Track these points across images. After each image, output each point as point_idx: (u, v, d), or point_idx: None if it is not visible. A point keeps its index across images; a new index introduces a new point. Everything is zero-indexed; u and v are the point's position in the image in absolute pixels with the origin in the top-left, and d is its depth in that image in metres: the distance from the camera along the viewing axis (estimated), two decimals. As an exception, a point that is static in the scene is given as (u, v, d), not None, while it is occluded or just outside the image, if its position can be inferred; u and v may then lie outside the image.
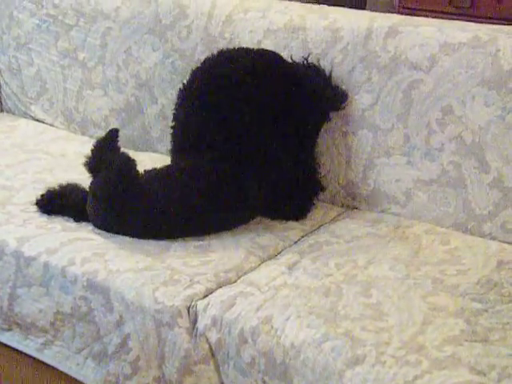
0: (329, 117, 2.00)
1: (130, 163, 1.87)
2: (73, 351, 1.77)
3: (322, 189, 2.02)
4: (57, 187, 1.96)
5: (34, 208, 1.95)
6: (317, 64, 2.03)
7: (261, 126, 1.87)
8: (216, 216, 1.85)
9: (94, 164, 1.90)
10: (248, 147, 1.86)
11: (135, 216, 1.82)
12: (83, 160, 1.93)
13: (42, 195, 1.96)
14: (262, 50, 2.01)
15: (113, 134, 1.98)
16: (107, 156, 1.89)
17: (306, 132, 1.96)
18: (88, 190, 1.90)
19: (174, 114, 1.98)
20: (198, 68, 1.96)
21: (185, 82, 1.97)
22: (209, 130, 1.87)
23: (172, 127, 1.99)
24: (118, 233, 1.84)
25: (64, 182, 1.98)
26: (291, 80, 1.92)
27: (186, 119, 1.92)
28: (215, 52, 1.98)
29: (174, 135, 1.99)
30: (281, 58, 1.98)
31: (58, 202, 1.93)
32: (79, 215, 1.90)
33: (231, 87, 1.86)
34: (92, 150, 1.93)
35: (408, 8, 3.01)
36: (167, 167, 1.94)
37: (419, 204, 1.95)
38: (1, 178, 2.13)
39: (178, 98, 1.97)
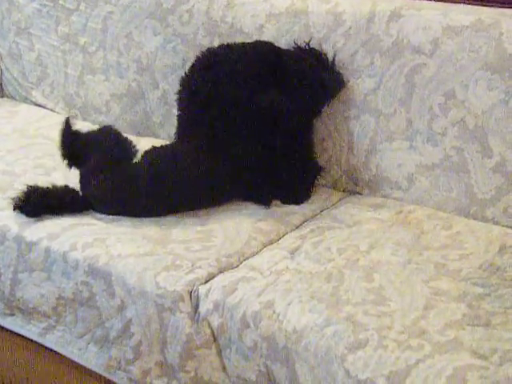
0: (327, 102, 2.00)
1: (114, 130, 1.94)
2: (75, 336, 1.78)
3: (321, 169, 2.02)
4: (36, 187, 1.87)
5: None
6: (318, 49, 2.03)
7: (255, 111, 1.91)
8: (213, 189, 1.89)
9: (70, 155, 1.95)
10: (244, 132, 1.91)
11: (138, 183, 1.84)
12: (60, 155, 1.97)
13: (20, 197, 1.84)
14: (259, 41, 2.04)
15: (67, 124, 2.01)
16: (77, 141, 1.95)
17: (301, 117, 1.97)
18: (81, 176, 1.91)
19: (177, 101, 2.03)
20: (198, 57, 2.01)
21: (186, 71, 2.02)
22: (206, 115, 1.93)
23: (177, 116, 2.05)
24: (122, 212, 1.84)
25: (41, 184, 1.89)
26: (284, 68, 1.95)
27: (187, 106, 1.98)
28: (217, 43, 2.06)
29: (178, 123, 2.04)
30: (276, 48, 2.00)
31: (40, 203, 1.85)
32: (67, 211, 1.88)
33: (227, 75, 1.92)
34: (60, 146, 1.97)
35: (411, -8, 2.98)
36: (168, 147, 1.98)
37: (421, 189, 1.94)
38: (2, 163, 2.13)
39: (180, 86, 2.02)
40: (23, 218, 1.85)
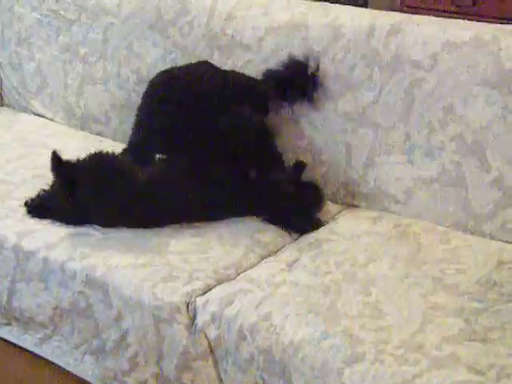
0: (267, 110, 2.05)
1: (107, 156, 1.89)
2: (71, 346, 1.77)
3: (319, 198, 1.98)
4: (48, 190, 1.92)
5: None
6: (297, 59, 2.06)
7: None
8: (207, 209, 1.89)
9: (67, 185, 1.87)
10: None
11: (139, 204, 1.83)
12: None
13: (33, 199, 1.92)
14: (200, 63, 2.12)
15: (55, 158, 1.91)
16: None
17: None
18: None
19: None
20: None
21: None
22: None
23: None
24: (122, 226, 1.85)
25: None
26: (223, 85, 2.02)
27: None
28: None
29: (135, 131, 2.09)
30: (213, 67, 2.09)
31: (48, 207, 1.89)
32: (73, 220, 1.88)
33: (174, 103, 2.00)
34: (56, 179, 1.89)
35: (410, 6, 3.00)
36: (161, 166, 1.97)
37: (419, 203, 1.95)
38: (1, 172, 2.13)
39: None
40: (21, 227, 1.85)
